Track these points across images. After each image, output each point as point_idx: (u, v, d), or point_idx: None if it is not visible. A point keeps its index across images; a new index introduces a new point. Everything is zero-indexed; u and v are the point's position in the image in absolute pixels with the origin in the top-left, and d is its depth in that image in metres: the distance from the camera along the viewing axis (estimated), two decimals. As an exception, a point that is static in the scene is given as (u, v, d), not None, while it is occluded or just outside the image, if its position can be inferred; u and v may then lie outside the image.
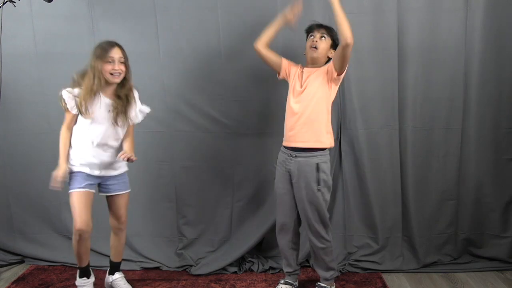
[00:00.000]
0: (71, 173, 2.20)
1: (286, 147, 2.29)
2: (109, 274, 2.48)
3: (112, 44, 2.12)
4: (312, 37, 2.25)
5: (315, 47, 2.23)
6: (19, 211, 2.85)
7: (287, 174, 2.28)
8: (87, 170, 2.20)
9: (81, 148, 2.20)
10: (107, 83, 2.14)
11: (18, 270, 2.75)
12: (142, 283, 2.56)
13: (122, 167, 2.31)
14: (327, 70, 2.21)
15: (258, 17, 2.55)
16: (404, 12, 2.51)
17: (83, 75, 2.14)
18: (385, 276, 2.62)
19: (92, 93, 2.11)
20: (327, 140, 2.24)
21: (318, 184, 2.21)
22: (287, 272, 2.44)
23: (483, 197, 2.69)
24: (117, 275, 2.46)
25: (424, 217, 2.70)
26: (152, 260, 2.73)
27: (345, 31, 2.04)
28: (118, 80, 2.13)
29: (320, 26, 2.26)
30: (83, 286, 2.35)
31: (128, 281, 2.48)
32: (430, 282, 2.56)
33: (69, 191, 2.19)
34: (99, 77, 2.10)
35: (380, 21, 2.53)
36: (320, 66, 2.26)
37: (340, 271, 2.63)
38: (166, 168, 2.76)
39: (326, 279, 2.39)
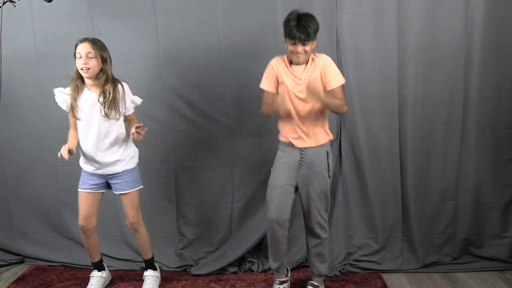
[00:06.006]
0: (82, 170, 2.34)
1: (294, 145, 2.22)
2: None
3: (82, 40, 2.17)
4: (295, 46, 2.07)
5: (301, 54, 2.11)
6: (19, 211, 2.85)
7: (293, 164, 2.23)
8: (90, 168, 2.29)
9: (82, 147, 2.26)
10: (89, 78, 2.19)
11: (18, 270, 2.76)
12: (142, 283, 2.55)
13: (123, 165, 2.30)
14: (321, 75, 2.15)
15: (258, 17, 2.56)
16: (404, 12, 2.51)
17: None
18: (385, 276, 2.62)
19: (76, 89, 2.20)
20: (329, 130, 2.28)
21: (329, 171, 2.25)
22: (276, 268, 2.37)
23: (483, 197, 2.69)
24: (148, 273, 2.53)
25: (424, 217, 2.70)
26: (152, 260, 2.73)
27: (340, 111, 2.21)
28: (87, 74, 2.16)
29: (300, 36, 2.02)
30: (92, 277, 2.49)
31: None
32: (430, 282, 2.56)
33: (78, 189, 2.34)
34: (76, 72, 2.19)
35: (380, 21, 2.53)
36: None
37: (340, 271, 2.63)
38: (166, 168, 2.76)
39: (320, 275, 2.39)
